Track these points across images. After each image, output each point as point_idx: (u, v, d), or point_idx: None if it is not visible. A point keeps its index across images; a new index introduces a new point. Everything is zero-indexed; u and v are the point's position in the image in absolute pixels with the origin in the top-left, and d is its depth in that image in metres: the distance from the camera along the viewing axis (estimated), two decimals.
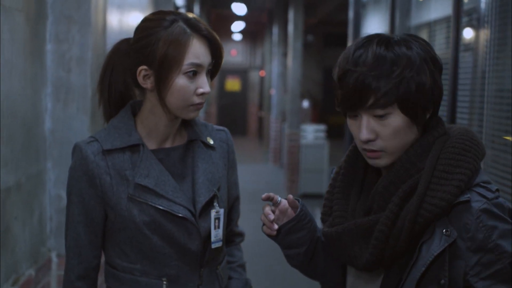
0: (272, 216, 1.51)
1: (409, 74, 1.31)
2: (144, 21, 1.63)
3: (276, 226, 1.52)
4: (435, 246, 1.30)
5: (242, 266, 1.92)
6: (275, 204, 1.52)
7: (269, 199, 1.51)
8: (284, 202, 1.53)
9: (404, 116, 1.34)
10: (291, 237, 1.53)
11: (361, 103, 1.34)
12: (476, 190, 1.32)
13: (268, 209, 1.52)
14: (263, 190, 9.86)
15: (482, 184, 1.33)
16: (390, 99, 1.32)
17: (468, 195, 1.31)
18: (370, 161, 1.41)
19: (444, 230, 1.30)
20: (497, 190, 1.35)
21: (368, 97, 1.32)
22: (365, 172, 1.48)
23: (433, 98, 1.36)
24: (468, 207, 1.30)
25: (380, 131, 1.35)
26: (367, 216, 1.39)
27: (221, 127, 1.84)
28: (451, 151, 1.34)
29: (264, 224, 1.54)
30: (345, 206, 1.46)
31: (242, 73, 19.95)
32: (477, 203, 1.30)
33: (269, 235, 1.55)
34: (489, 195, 1.32)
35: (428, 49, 1.37)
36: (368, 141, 1.37)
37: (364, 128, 1.36)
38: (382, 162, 1.39)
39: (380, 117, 1.34)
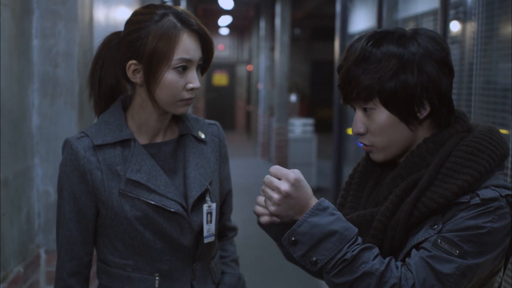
0: (262, 198, 1.42)
1: (389, 72, 1.32)
2: (135, 14, 1.62)
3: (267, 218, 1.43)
4: (417, 237, 1.31)
5: (235, 261, 1.92)
6: None
7: None
8: None
9: (389, 113, 1.35)
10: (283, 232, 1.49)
11: (348, 95, 1.38)
12: (480, 192, 1.29)
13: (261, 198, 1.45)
14: (252, 184, 9.89)
15: (492, 187, 1.29)
16: (371, 94, 1.34)
17: (468, 197, 1.28)
18: (370, 155, 1.43)
19: (431, 224, 1.30)
20: (508, 195, 1.30)
21: (352, 90, 1.36)
22: (383, 167, 1.48)
23: (428, 96, 1.34)
24: (464, 207, 1.28)
25: (369, 125, 1.38)
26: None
27: (212, 121, 1.84)
28: (463, 150, 1.31)
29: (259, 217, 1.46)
30: (358, 198, 1.47)
31: (229, 67, 19.92)
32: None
33: (263, 226, 1.48)
34: (488, 195, 1.28)
35: (435, 48, 1.34)
36: (358, 134, 1.40)
37: (355, 121, 1.40)
38: (376, 156, 1.41)
39: (367, 111, 1.37)
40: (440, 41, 1.37)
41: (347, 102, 1.41)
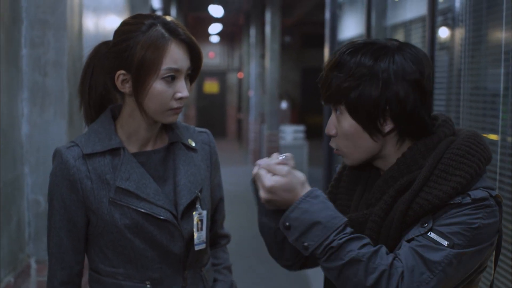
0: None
1: (355, 82, 1.36)
2: (123, 24, 1.63)
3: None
4: (408, 235, 1.34)
5: (228, 268, 1.91)
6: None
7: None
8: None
9: (353, 121, 1.39)
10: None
11: (322, 97, 1.44)
12: (471, 193, 1.32)
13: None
14: (243, 192, 9.88)
15: (482, 188, 1.33)
16: (338, 99, 1.39)
17: (460, 198, 1.31)
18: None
19: (422, 223, 1.33)
20: (497, 196, 1.34)
21: (325, 92, 1.42)
22: (371, 170, 1.50)
23: (392, 113, 1.36)
24: (456, 207, 1.31)
25: (338, 129, 1.43)
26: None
27: (203, 129, 1.84)
28: (455, 153, 1.35)
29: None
30: (348, 202, 1.49)
31: (220, 75, 19.94)
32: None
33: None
34: (479, 195, 1.31)
35: (410, 69, 1.35)
36: (329, 136, 1.46)
37: (328, 122, 1.45)
38: (345, 160, 1.47)
39: (336, 113, 1.42)
40: (420, 62, 1.37)
41: (323, 102, 1.47)
